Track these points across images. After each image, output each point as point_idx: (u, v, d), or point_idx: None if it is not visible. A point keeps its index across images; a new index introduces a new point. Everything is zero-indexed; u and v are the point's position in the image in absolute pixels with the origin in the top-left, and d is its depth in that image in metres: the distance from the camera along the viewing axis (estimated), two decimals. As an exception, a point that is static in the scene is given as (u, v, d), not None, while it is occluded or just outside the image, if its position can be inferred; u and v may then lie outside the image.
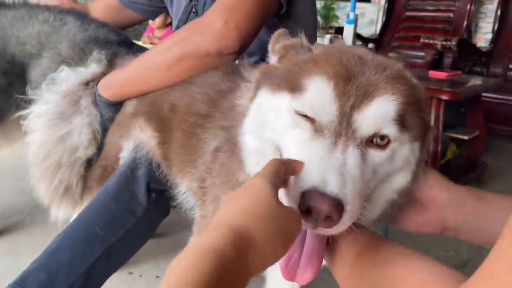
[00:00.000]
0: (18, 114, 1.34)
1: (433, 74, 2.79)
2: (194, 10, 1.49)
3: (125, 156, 1.27)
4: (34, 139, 1.26)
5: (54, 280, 1.08)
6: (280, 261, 0.65)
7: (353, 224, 0.61)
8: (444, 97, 2.31)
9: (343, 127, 0.61)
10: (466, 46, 3.60)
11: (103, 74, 1.31)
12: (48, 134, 1.23)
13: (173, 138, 1.16)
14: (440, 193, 0.74)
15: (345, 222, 0.58)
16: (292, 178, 0.61)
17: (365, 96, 0.62)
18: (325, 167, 0.58)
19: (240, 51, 1.17)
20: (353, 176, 0.59)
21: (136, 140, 1.24)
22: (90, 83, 1.29)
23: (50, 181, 1.27)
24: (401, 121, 0.63)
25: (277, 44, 0.79)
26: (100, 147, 1.30)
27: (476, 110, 2.87)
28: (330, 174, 0.57)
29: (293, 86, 0.66)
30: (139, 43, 3.13)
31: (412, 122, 0.65)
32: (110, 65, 1.34)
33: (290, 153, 0.66)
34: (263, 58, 0.91)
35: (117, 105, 1.28)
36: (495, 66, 3.87)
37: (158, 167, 1.23)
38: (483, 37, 4.30)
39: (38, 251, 1.14)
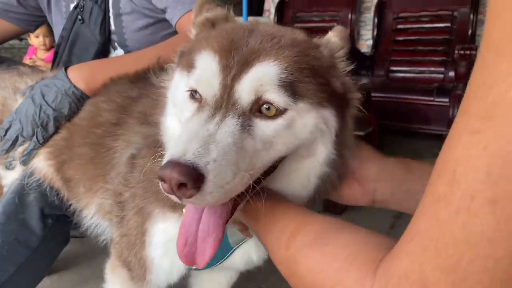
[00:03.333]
0: None
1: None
2: (80, 17, 1.38)
3: (8, 183, 1.10)
4: None
5: None
6: (177, 247, 0.62)
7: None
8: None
9: (224, 99, 0.60)
10: (352, 52, 3.88)
11: None
12: None
13: (75, 156, 1.04)
14: (371, 166, 0.74)
15: (211, 191, 0.54)
16: None
17: (245, 65, 0.61)
18: (189, 139, 0.56)
19: None
20: (222, 145, 0.56)
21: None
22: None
23: None
24: (291, 87, 0.61)
25: (199, 16, 0.75)
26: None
27: (368, 107, 3.09)
28: (191, 144, 0.55)
29: (189, 64, 0.65)
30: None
31: (307, 89, 0.62)
32: None
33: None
34: None
35: (81, 101, 1.12)
36: (379, 69, 4.23)
37: (51, 190, 1.09)
38: (365, 44, 4.69)
39: None
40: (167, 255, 0.85)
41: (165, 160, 0.55)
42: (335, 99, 0.67)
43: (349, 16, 4.49)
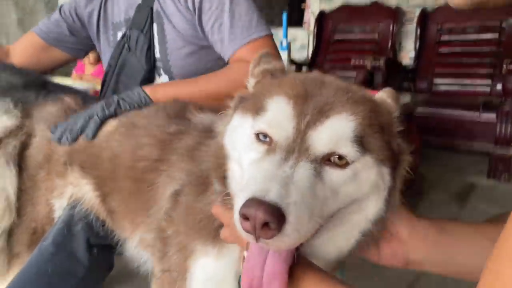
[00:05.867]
0: None
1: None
2: (126, 46, 1.43)
3: (57, 215, 1.15)
4: None
5: None
6: (242, 283, 0.62)
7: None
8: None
9: (297, 143, 0.60)
10: (393, 64, 3.80)
11: (18, 127, 1.18)
12: None
13: (118, 189, 1.06)
14: (402, 227, 0.72)
15: (289, 234, 0.54)
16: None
17: (320, 114, 0.61)
18: (268, 178, 0.56)
19: None
20: (300, 188, 0.56)
21: (71, 197, 1.13)
22: (4, 140, 1.16)
23: None
24: (361, 142, 0.61)
25: (258, 67, 0.77)
26: (20, 209, 1.16)
27: (410, 124, 3.01)
28: (272, 184, 0.55)
29: (256, 108, 0.66)
30: (69, 80, 2.98)
31: (374, 145, 0.63)
32: (26, 115, 1.22)
33: (245, 173, 0.64)
34: None
35: (145, 104, 1.21)
36: (421, 82, 4.12)
37: (97, 221, 1.12)
38: (407, 55, 4.58)
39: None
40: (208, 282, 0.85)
41: (243, 199, 0.55)
42: (392, 158, 0.66)
43: (391, 27, 4.40)
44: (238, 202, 0.56)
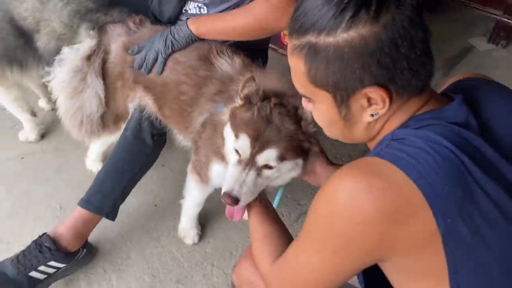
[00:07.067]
0: (37, 71, 1.78)
1: None
2: None
3: (131, 109, 1.73)
4: (60, 104, 1.72)
5: (105, 198, 1.70)
6: (226, 213, 1.30)
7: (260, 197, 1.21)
8: None
9: (250, 160, 1.18)
10: None
11: (97, 45, 1.65)
12: (69, 104, 1.69)
13: (169, 106, 1.62)
14: (320, 169, 1.28)
15: (241, 205, 1.18)
16: None
17: (262, 147, 1.16)
18: (234, 180, 1.18)
19: None
20: (248, 185, 1.17)
21: (139, 102, 1.70)
22: (91, 57, 1.63)
23: (79, 130, 1.76)
24: (281, 157, 1.18)
25: (244, 90, 1.22)
26: (107, 102, 1.72)
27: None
28: (236, 184, 1.17)
29: (236, 132, 1.21)
30: None
31: (289, 155, 1.19)
32: (100, 34, 1.66)
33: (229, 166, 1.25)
34: None
35: (192, 41, 1.58)
36: None
37: (156, 119, 1.71)
38: None
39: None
40: (218, 177, 1.51)
41: (224, 188, 1.18)
42: (303, 153, 1.22)
43: None
44: (224, 184, 1.20)
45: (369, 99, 0.79)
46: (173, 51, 1.58)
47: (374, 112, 0.80)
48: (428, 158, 0.73)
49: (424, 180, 0.71)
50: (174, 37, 1.57)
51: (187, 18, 1.61)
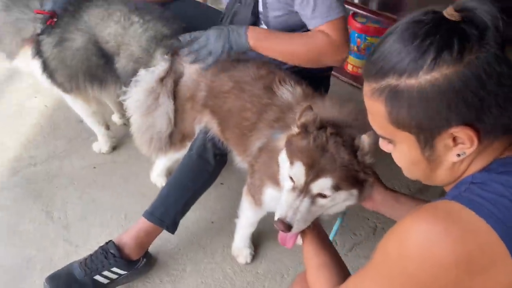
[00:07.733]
0: (115, 89, 1.95)
1: None
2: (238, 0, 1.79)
3: (197, 131, 1.84)
4: (133, 122, 1.86)
5: (167, 211, 1.80)
6: (279, 239, 1.31)
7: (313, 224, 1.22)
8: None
9: (304, 188, 1.19)
10: None
11: (170, 68, 1.77)
12: (141, 122, 1.84)
13: (231, 130, 1.70)
14: (377, 195, 1.28)
15: (293, 232, 1.20)
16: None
17: (316, 175, 1.18)
18: (288, 207, 1.19)
19: None
20: (301, 213, 1.18)
21: (205, 124, 1.80)
22: (164, 79, 1.76)
23: (148, 146, 1.91)
24: (336, 187, 1.18)
25: (301, 118, 1.25)
26: (176, 122, 1.84)
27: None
28: (289, 211, 1.18)
29: (291, 160, 1.23)
30: None
31: (344, 186, 1.19)
32: (173, 58, 1.79)
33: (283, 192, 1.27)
34: None
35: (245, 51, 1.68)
36: None
37: (219, 141, 1.80)
38: None
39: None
40: (271, 201, 1.55)
41: (278, 215, 1.20)
42: (358, 183, 1.21)
43: None
44: (278, 210, 1.21)
45: (454, 139, 0.77)
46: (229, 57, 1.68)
47: (461, 152, 0.78)
48: (510, 206, 0.70)
49: (506, 228, 0.68)
50: (231, 46, 1.65)
51: (246, 27, 1.66)
